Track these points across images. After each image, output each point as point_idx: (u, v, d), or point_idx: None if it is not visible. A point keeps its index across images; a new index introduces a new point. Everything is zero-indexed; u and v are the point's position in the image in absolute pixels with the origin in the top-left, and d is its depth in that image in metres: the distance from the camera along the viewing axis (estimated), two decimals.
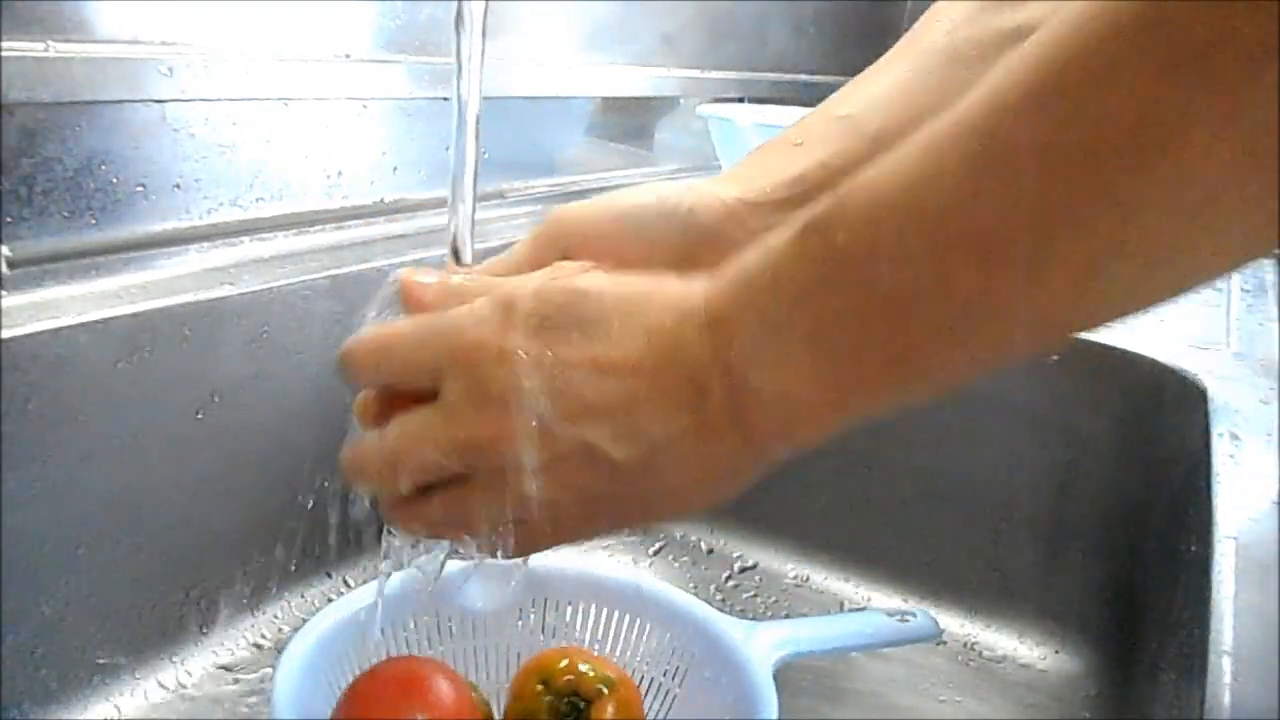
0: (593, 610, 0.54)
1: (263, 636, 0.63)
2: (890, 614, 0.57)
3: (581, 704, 0.46)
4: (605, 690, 0.46)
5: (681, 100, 1.13)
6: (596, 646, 0.53)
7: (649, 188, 0.42)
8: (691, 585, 0.73)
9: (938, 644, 0.67)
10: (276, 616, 0.64)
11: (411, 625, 0.51)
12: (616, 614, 0.53)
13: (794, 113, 1.04)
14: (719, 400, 0.30)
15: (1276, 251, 0.23)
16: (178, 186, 0.62)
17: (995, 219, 0.24)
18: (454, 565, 0.51)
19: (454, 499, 0.35)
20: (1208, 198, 0.22)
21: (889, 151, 0.26)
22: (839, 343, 0.28)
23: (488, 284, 0.36)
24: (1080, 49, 0.22)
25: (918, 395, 0.29)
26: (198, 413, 0.58)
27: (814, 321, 0.28)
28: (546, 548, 0.36)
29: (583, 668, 0.47)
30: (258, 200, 0.67)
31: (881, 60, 0.47)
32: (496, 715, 0.48)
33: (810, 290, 0.28)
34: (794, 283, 0.28)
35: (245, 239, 0.66)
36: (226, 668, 0.60)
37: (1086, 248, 0.23)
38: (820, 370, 0.28)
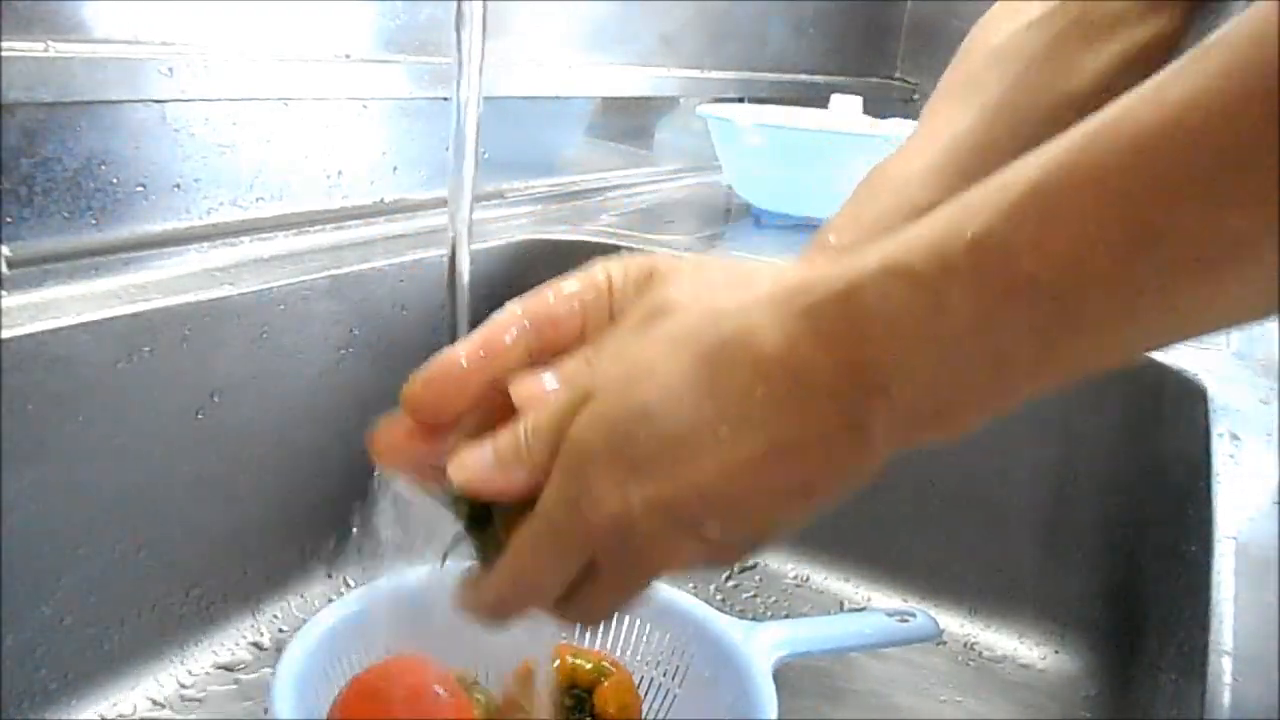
0: None
1: (262, 636, 0.63)
2: (890, 614, 0.57)
3: (583, 693, 0.46)
4: (603, 678, 0.46)
5: (681, 100, 1.13)
6: (596, 647, 0.53)
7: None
8: (691, 585, 0.73)
9: (938, 644, 0.67)
10: (276, 616, 0.64)
11: (412, 625, 0.51)
12: (617, 614, 0.53)
13: (794, 113, 1.04)
14: (884, 439, 0.28)
15: None
16: (178, 186, 0.62)
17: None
18: (454, 565, 0.51)
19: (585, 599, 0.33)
20: None
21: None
22: (1024, 361, 0.26)
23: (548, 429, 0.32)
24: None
25: (1088, 371, 0.26)
26: (198, 413, 0.58)
27: (997, 347, 0.25)
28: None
29: (574, 660, 0.47)
30: (258, 200, 0.67)
31: (930, 111, 0.45)
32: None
33: (992, 318, 0.25)
34: (968, 313, 0.25)
35: (245, 239, 0.66)
36: (226, 668, 0.60)
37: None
38: (1001, 388, 0.27)
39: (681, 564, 0.31)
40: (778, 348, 0.27)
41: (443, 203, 0.78)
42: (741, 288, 0.30)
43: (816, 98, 1.09)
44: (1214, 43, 0.22)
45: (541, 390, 0.33)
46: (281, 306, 0.61)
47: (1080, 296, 0.24)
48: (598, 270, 0.35)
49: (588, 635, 0.53)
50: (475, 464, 0.32)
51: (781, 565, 0.75)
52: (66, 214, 0.56)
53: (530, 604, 0.33)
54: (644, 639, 0.53)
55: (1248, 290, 0.23)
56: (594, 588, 0.32)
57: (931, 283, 0.25)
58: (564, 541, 0.31)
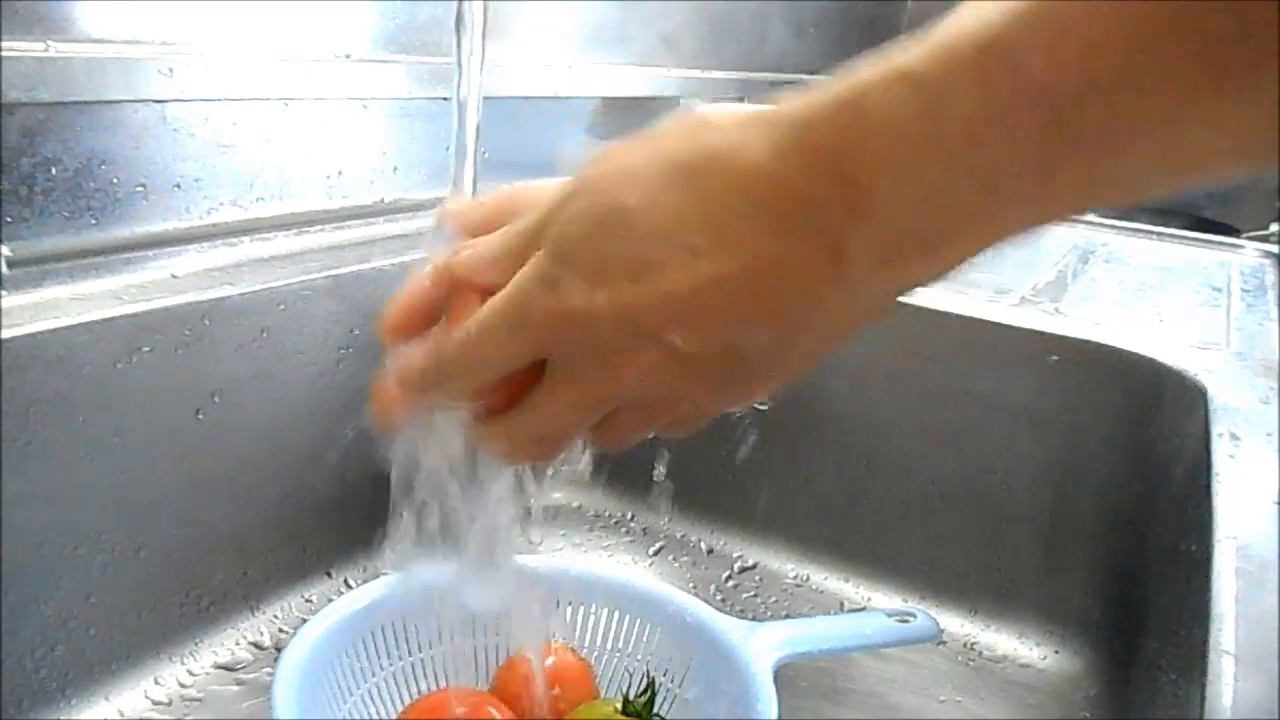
0: (593, 610, 0.54)
1: (262, 636, 0.63)
2: (890, 614, 0.57)
3: None
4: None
5: (681, 100, 1.13)
6: (597, 647, 0.53)
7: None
8: (691, 585, 0.73)
9: (938, 644, 0.67)
10: (276, 616, 0.64)
11: (412, 625, 0.51)
12: (616, 614, 0.53)
13: None
14: (864, 263, 0.27)
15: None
16: (178, 186, 0.62)
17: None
18: (454, 565, 0.51)
19: (607, 429, 0.33)
20: None
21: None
22: (1012, 182, 0.25)
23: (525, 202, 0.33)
24: None
25: (1051, 221, 0.26)
26: (198, 413, 0.58)
27: (992, 162, 0.24)
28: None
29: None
30: (258, 200, 0.67)
31: None
32: None
33: (990, 127, 0.24)
34: (965, 120, 0.24)
35: (245, 239, 0.66)
36: (226, 668, 0.60)
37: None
38: (986, 209, 0.26)
39: (644, 374, 0.30)
40: (764, 159, 0.27)
41: (443, 203, 0.78)
42: (741, 113, 0.29)
43: None
44: None
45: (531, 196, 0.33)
46: (281, 306, 0.61)
47: (1085, 112, 0.23)
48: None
49: (578, 627, 0.54)
50: (466, 257, 0.33)
51: (781, 565, 0.75)
52: (66, 214, 0.56)
53: (472, 380, 0.32)
54: (644, 639, 0.53)
55: (1258, 115, 0.22)
56: (547, 393, 0.32)
57: (934, 85, 0.25)
58: (523, 317, 0.30)
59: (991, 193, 0.25)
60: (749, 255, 0.27)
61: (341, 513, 0.68)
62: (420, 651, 0.51)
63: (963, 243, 0.27)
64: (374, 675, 0.49)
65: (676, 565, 0.76)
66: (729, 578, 0.74)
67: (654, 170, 0.28)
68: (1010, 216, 0.26)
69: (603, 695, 0.51)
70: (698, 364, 0.29)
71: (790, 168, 0.27)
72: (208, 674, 0.59)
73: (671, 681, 0.51)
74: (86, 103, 0.56)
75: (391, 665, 0.50)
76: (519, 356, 0.31)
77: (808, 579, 0.74)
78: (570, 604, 0.54)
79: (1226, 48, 0.22)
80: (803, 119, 0.27)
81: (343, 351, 0.65)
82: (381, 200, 0.76)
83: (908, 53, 0.25)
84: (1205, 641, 0.35)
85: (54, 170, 0.55)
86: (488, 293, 0.32)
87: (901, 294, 0.28)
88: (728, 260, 0.27)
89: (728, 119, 0.28)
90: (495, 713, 0.46)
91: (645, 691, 0.47)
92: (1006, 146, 0.24)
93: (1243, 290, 0.85)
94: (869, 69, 0.26)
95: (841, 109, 0.26)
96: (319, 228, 0.71)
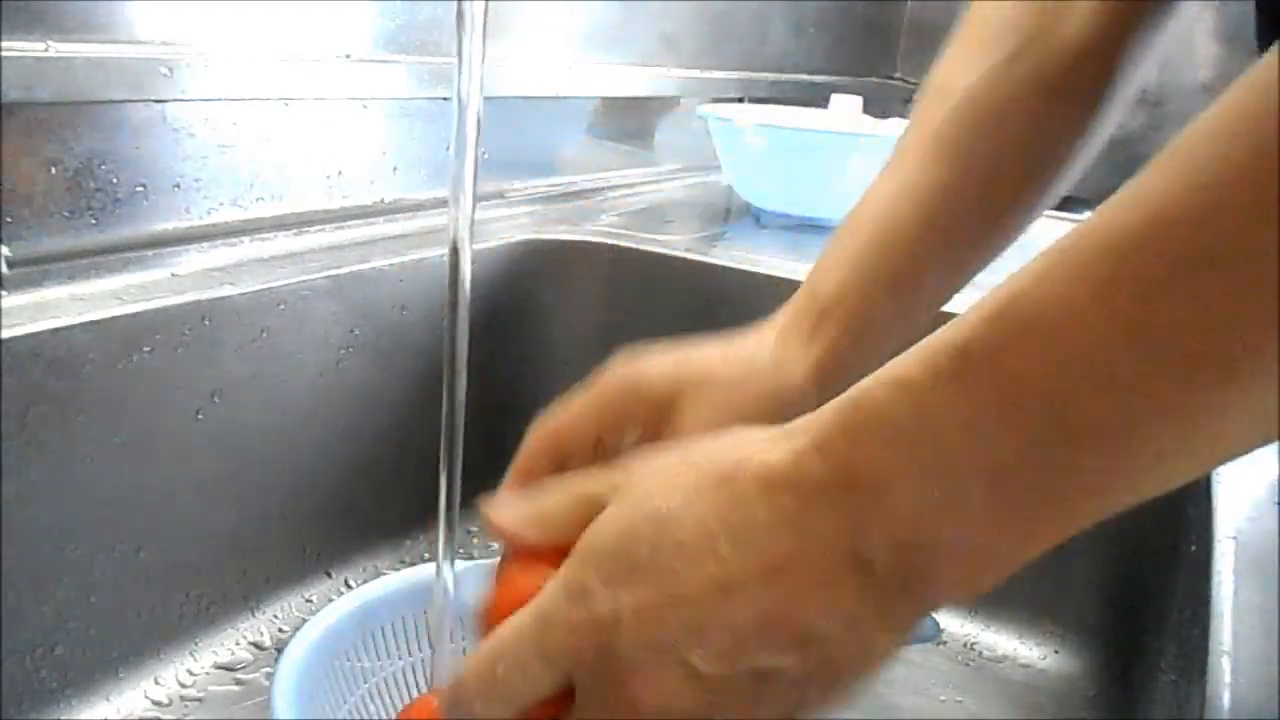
0: None
1: (262, 636, 0.63)
2: None
3: None
4: None
5: (681, 100, 1.13)
6: None
7: (713, 347, 0.41)
8: None
9: (938, 644, 0.67)
10: (276, 616, 0.64)
11: (413, 626, 0.51)
12: None
13: (794, 113, 1.04)
14: (885, 568, 0.26)
15: None
16: (178, 186, 0.62)
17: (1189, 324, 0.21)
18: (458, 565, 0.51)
19: None
20: None
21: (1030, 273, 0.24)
22: (1022, 480, 0.24)
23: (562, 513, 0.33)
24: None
25: (1111, 511, 0.26)
26: (198, 413, 0.58)
27: (992, 460, 0.24)
28: None
29: None
30: (258, 200, 0.67)
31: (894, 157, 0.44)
32: None
33: (982, 427, 0.24)
34: (958, 421, 0.24)
35: (245, 239, 0.66)
36: (226, 668, 0.60)
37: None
38: (1003, 514, 0.25)
39: (668, 697, 0.28)
40: (784, 461, 0.27)
41: (443, 203, 0.78)
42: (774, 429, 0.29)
43: (816, 98, 1.09)
44: (1182, 141, 0.22)
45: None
46: (281, 306, 0.61)
47: (1071, 400, 0.23)
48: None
49: None
50: (509, 511, 0.34)
51: None
52: (66, 214, 0.56)
53: (496, 703, 0.30)
54: None
55: (1266, 394, 0.21)
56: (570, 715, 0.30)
57: (922, 389, 0.25)
58: (548, 636, 0.29)
59: (996, 490, 0.24)
60: (769, 552, 0.27)
61: (341, 513, 0.68)
62: (420, 651, 0.51)
63: (985, 552, 0.26)
64: (374, 675, 0.49)
65: None
66: None
67: (689, 477, 0.29)
68: (1027, 520, 0.25)
69: None
70: (722, 691, 0.28)
71: (807, 470, 0.27)
72: (208, 674, 0.59)
73: None
74: (86, 103, 0.56)
75: (391, 665, 0.50)
76: (543, 680, 0.30)
77: None
78: None
79: (1213, 336, 0.21)
80: (818, 422, 0.27)
81: (343, 351, 0.65)
82: (381, 200, 0.76)
83: (900, 357, 0.26)
84: (1205, 641, 0.35)
85: (54, 170, 0.55)
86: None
87: (935, 608, 0.27)
88: (747, 560, 0.27)
89: (761, 430, 0.29)
90: None
91: None
92: (1001, 446, 0.24)
93: None
94: (874, 375, 0.27)
95: (844, 413, 0.27)
96: (319, 228, 0.71)
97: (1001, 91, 0.43)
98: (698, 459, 0.30)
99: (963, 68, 0.44)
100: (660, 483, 0.30)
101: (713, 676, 0.27)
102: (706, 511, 0.28)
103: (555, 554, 0.31)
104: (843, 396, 0.27)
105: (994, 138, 0.43)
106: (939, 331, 0.26)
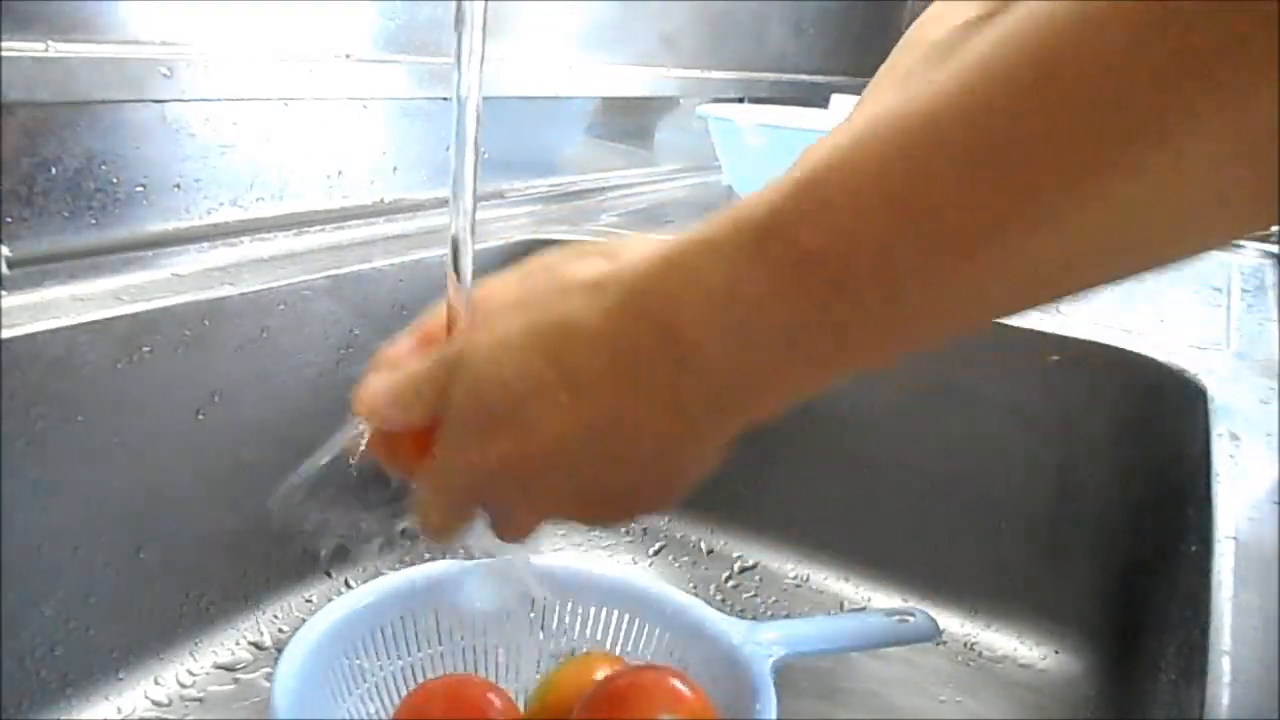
0: (592, 610, 0.54)
1: (262, 636, 0.63)
2: (890, 614, 0.57)
3: None
4: None
5: (681, 100, 1.13)
6: (596, 647, 0.53)
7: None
8: (691, 585, 0.73)
9: (938, 644, 0.67)
10: (276, 616, 0.64)
11: (412, 625, 0.51)
12: (616, 614, 0.53)
13: (794, 113, 1.04)
14: (700, 409, 0.30)
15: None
16: (178, 186, 0.62)
17: (960, 199, 0.24)
18: (453, 565, 0.51)
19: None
20: (1196, 195, 0.22)
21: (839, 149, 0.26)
22: (814, 336, 0.28)
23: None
24: (1080, 37, 0.22)
25: (890, 357, 0.29)
26: (198, 413, 0.58)
27: (791, 319, 0.28)
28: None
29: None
30: (258, 200, 0.67)
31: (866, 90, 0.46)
32: None
33: (783, 293, 0.27)
34: (762, 288, 0.27)
35: (245, 239, 0.66)
36: (226, 668, 0.60)
37: (1057, 234, 0.23)
38: (798, 361, 0.29)
39: (549, 511, 0.35)
40: (601, 323, 0.31)
41: (443, 203, 0.78)
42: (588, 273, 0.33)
43: (816, 98, 1.09)
44: (967, 52, 0.24)
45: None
46: (281, 306, 0.61)
47: (853, 272, 0.26)
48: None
49: (578, 627, 0.54)
50: (377, 395, 0.38)
51: (781, 565, 0.75)
52: (66, 214, 0.56)
53: (451, 527, 0.37)
54: (643, 638, 0.53)
55: (1008, 275, 0.25)
56: (496, 522, 0.37)
57: (729, 254, 0.28)
58: (453, 480, 0.35)
59: (792, 347, 0.28)
60: (604, 411, 0.31)
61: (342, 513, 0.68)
62: (420, 651, 0.51)
63: (781, 389, 0.30)
64: (374, 675, 0.49)
65: (676, 565, 0.76)
66: (729, 578, 0.74)
67: (524, 343, 0.33)
68: (818, 367, 0.29)
69: None
70: (590, 501, 0.34)
71: (623, 330, 0.31)
72: (208, 674, 0.59)
73: None
74: (86, 103, 0.56)
75: (391, 665, 0.50)
76: (467, 505, 0.37)
77: (808, 579, 0.74)
78: (570, 604, 0.54)
79: (967, 214, 0.24)
80: (631, 280, 0.30)
81: (343, 351, 0.65)
82: (381, 200, 0.76)
83: (714, 221, 0.29)
84: (1205, 641, 0.35)
85: (54, 170, 0.55)
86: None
87: (744, 430, 0.32)
88: (587, 412, 0.31)
89: (575, 281, 0.32)
90: (495, 699, 0.46)
91: None
92: (796, 308, 0.27)
93: (1243, 290, 0.85)
94: (686, 233, 0.29)
95: (658, 273, 0.30)
96: (319, 228, 0.71)
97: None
98: (529, 320, 0.33)
99: (933, 27, 0.45)
100: (502, 352, 0.33)
101: (572, 494, 0.34)
102: (546, 373, 0.32)
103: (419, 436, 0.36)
104: (654, 255, 0.30)
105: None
106: (746, 201, 0.28)
